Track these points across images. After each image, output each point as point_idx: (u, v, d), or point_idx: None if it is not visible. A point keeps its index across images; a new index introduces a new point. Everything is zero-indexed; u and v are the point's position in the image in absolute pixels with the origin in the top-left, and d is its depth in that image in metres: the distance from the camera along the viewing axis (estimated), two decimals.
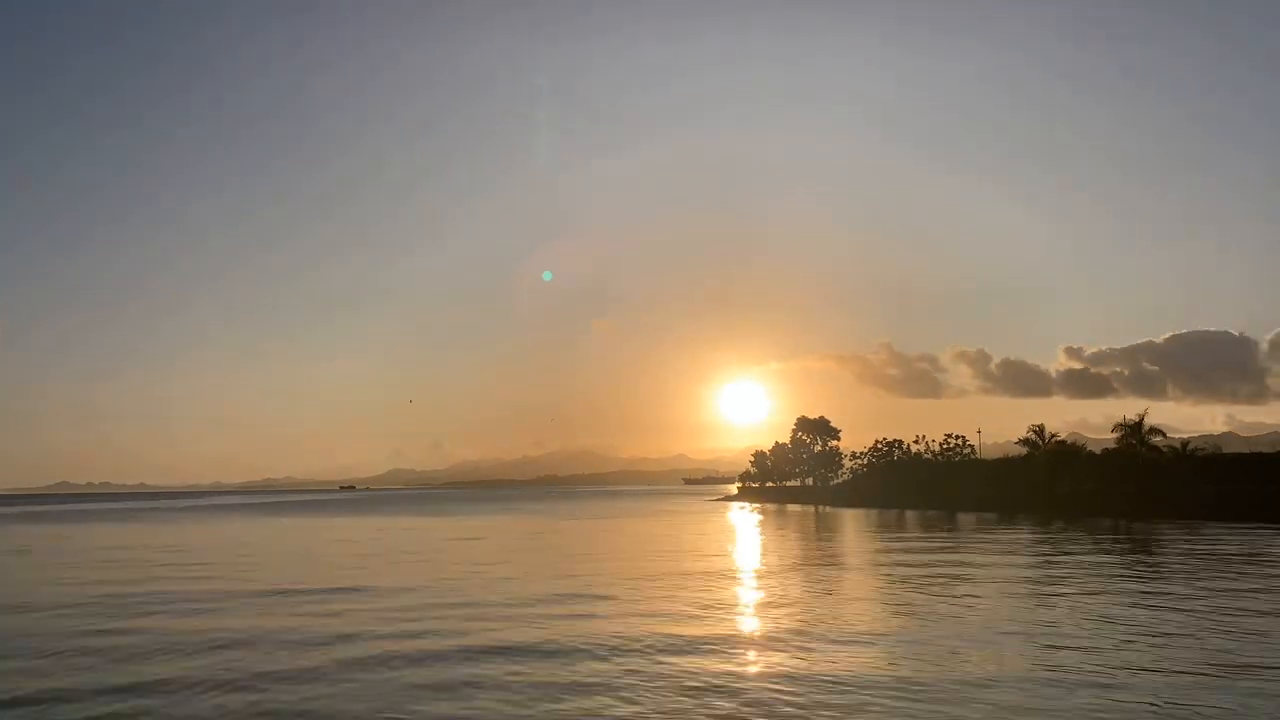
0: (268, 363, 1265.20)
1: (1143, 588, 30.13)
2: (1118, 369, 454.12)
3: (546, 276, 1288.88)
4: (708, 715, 15.13)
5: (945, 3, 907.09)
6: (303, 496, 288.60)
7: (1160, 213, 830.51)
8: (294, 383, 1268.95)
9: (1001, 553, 44.42)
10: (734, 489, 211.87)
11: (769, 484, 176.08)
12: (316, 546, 60.05)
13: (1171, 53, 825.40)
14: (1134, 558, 41.52)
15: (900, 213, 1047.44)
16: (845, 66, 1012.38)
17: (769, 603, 29.22)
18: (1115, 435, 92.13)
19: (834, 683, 17.06)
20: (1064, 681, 16.83)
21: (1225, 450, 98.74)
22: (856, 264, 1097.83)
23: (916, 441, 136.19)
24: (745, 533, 70.33)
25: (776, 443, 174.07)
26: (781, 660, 19.31)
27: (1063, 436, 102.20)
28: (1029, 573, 35.47)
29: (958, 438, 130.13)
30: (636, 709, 15.60)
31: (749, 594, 31.85)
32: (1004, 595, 28.94)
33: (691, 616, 25.53)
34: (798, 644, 21.00)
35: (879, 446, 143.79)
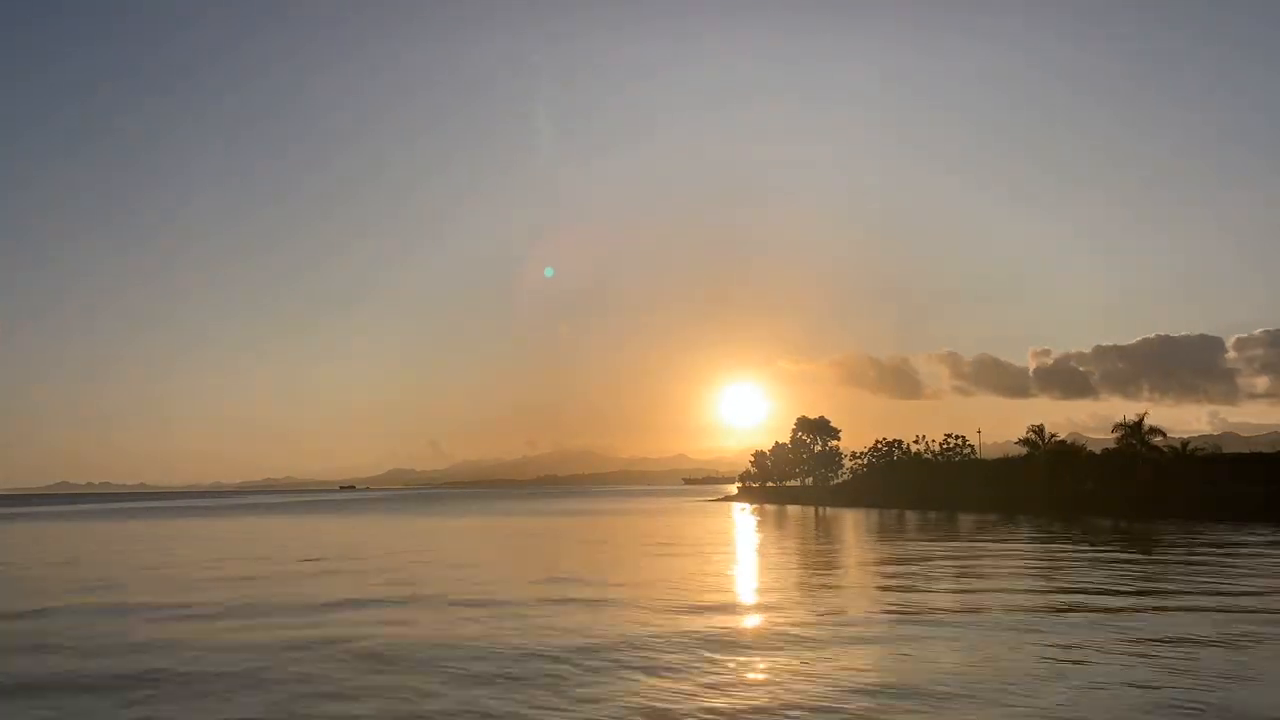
0: (268, 362, 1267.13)
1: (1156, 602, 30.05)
2: (1088, 369, 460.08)
3: (548, 273, 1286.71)
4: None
5: (945, 2, 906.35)
6: (315, 497, 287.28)
7: (1131, 215, 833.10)
8: (294, 383, 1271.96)
9: (1003, 553, 44.42)
10: (734, 489, 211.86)
11: (769, 484, 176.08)
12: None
13: (1160, 53, 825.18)
14: (1139, 563, 41.46)
15: (900, 213, 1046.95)
16: (846, 66, 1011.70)
17: (769, 604, 29.21)
18: (1115, 435, 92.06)
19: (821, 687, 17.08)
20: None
21: (1225, 450, 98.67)
22: (860, 265, 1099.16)
23: (916, 442, 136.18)
24: (744, 532, 70.31)
25: (776, 443, 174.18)
26: (785, 662, 19.32)
27: (1062, 436, 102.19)
28: (1040, 582, 35.40)
29: (958, 438, 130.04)
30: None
31: (751, 594, 31.82)
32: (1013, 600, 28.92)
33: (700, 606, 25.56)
34: (798, 645, 21.02)
35: (879, 447, 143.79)
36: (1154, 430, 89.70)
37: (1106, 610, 25.33)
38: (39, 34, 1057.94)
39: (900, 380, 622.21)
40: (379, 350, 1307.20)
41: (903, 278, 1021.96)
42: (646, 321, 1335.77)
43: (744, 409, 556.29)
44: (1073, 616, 24.40)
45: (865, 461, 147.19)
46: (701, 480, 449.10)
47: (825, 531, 69.28)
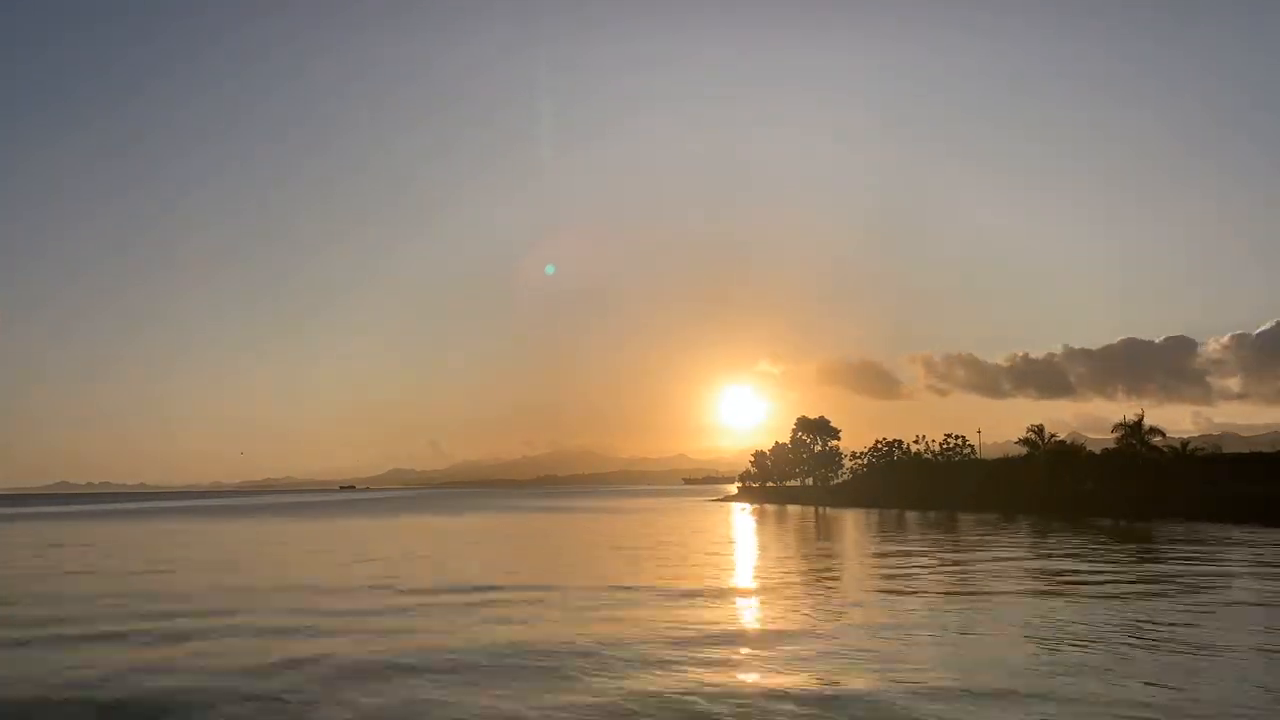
0: (267, 362, 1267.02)
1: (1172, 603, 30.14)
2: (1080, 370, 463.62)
3: (549, 270, 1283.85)
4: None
5: (945, 2, 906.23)
6: (315, 497, 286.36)
7: (1107, 214, 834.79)
8: (294, 382, 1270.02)
9: (1003, 553, 44.49)
10: (733, 489, 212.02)
11: (769, 484, 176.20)
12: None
13: (1129, 52, 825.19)
14: (1143, 564, 41.54)
15: (900, 214, 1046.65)
16: (848, 65, 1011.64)
17: (770, 600, 29.30)
18: (1115, 435, 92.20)
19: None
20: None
21: (1225, 450, 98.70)
22: (861, 265, 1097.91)
23: (916, 441, 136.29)
24: (744, 532, 70.39)
25: (776, 443, 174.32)
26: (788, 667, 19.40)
27: (1062, 436, 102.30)
28: (1042, 585, 35.48)
29: (958, 438, 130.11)
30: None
31: (752, 597, 31.94)
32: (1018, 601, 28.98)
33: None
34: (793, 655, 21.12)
35: (879, 446, 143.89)
36: (1154, 430, 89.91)
37: (1107, 609, 25.44)
38: (25, 25, 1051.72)
39: (880, 380, 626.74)
40: (379, 350, 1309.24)
41: (904, 278, 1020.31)
42: (646, 322, 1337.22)
43: (744, 409, 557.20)
44: (1073, 614, 24.49)
45: (865, 461, 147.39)
46: (701, 480, 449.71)
47: (826, 531, 69.35)
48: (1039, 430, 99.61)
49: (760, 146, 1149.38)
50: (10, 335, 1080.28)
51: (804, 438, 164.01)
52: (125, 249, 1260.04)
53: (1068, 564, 38.32)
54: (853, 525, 75.18)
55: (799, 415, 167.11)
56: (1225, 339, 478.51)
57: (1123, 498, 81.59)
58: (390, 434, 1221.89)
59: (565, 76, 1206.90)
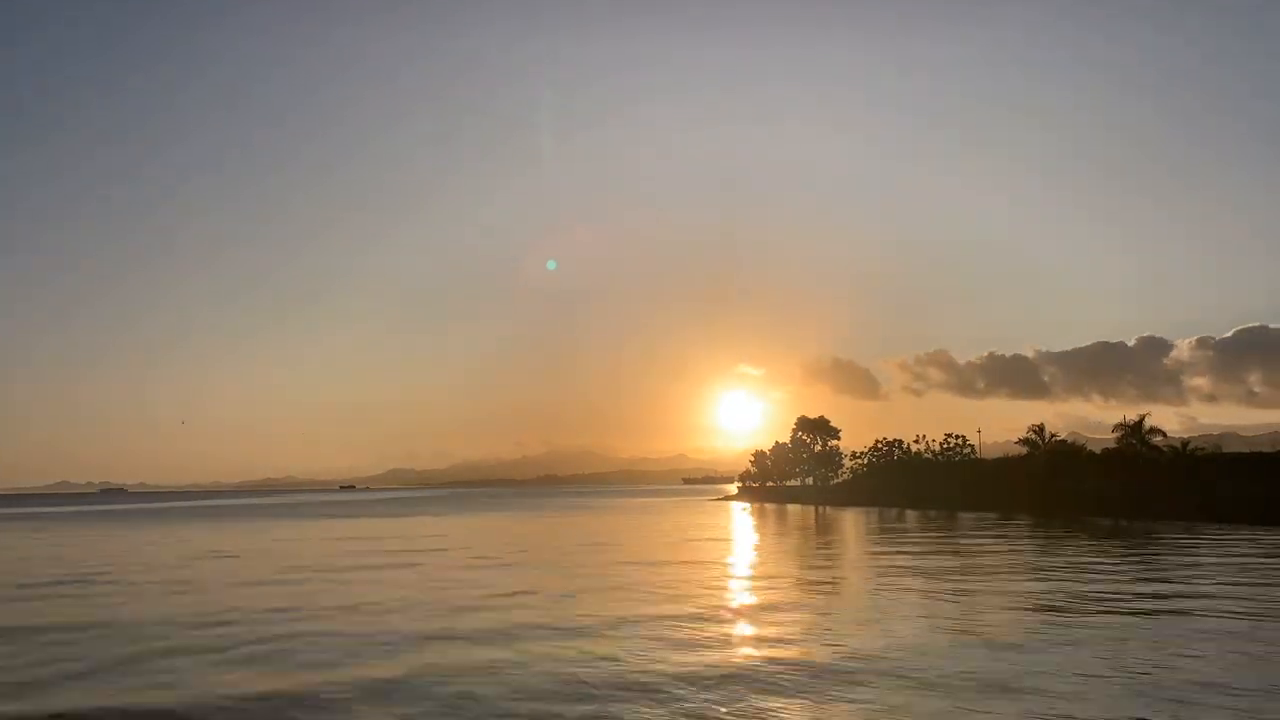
0: (267, 362, 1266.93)
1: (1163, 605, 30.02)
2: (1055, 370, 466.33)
3: (550, 265, 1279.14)
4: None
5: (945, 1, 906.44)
6: (316, 497, 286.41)
7: (1090, 215, 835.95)
8: (293, 382, 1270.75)
9: (1002, 552, 44.43)
10: (733, 489, 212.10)
11: (769, 484, 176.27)
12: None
13: (1129, 51, 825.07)
14: (1142, 564, 41.48)
15: (901, 213, 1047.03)
16: (847, 65, 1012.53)
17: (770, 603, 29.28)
18: (1115, 435, 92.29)
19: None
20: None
21: (1225, 450, 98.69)
22: (862, 265, 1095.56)
23: (916, 441, 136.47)
24: (744, 531, 70.39)
25: (776, 442, 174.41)
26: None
27: (1062, 436, 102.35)
28: (1041, 586, 35.42)
29: (958, 437, 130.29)
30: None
31: (752, 595, 31.92)
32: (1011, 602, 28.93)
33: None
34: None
35: (879, 446, 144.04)
36: (1154, 430, 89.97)
37: (1107, 609, 25.38)
38: (24, 9, 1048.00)
39: (863, 380, 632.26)
40: (378, 349, 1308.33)
41: (904, 278, 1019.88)
42: (646, 322, 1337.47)
43: (744, 409, 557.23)
44: (1072, 613, 24.44)
45: (865, 461, 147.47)
46: (701, 480, 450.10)
47: (826, 530, 69.33)
48: (1039, 430, 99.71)
49: (763, 147, 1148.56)
50: (10, 336, 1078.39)
51: (804, 437, 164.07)
52: (124, 248, 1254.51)
53: (1068, 564, 38.26)
54: (852, 525, 75.15)
55: (799, 415, 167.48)
56: (1194, 341, 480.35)
57: (1122, 498, 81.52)
58: (390, 434, 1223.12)
59: (565, 70, 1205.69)
